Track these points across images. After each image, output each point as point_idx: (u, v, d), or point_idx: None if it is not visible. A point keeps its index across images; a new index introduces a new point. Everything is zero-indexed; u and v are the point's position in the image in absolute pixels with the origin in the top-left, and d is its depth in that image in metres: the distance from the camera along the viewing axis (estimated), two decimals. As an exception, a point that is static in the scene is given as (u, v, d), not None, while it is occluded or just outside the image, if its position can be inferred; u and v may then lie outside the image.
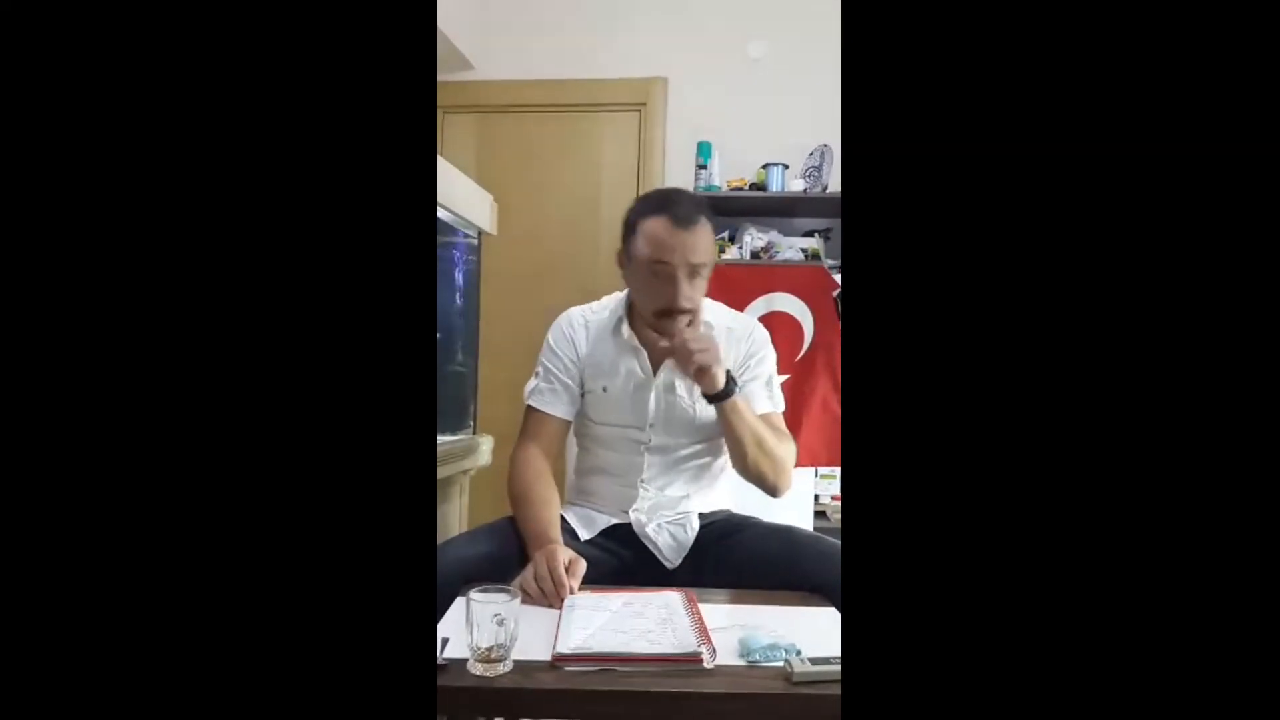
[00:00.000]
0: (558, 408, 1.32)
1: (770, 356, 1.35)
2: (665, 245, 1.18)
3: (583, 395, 1.34)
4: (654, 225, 1.20)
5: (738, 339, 1.32)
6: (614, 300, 1.35)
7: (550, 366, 1.33)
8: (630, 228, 1.25)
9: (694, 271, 1.20)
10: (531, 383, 1.35)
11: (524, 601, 0.90)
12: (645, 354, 1.30)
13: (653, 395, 1.29)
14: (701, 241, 1.20)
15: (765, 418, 1.31)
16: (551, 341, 1.35)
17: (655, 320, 1.24)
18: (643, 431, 1.30)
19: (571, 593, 1.03)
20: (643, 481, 1.31)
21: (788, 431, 1.34)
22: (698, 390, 1.28)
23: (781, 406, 1.36)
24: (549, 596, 1.02)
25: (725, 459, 1.38)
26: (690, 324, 1.23)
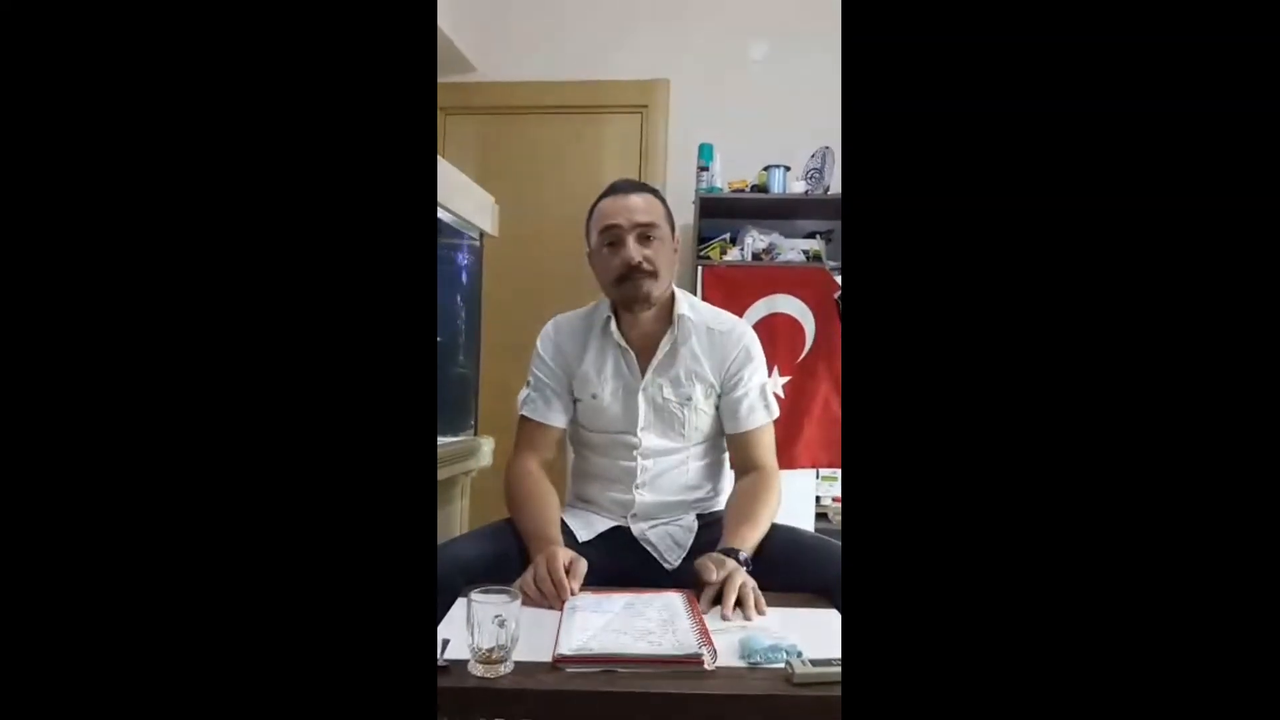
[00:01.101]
0: (551, 416, 1.32)
1: (761, 364, 1.33)
2: (608, 213, 1.26)
3: (575, 403, 1.34)
4: (600, 205, 1.29)
5: (720, 342, 1.31)
6: (598, 304, 1.36)
7: (541, 375, 1.34)
8: (587, 221, 1.31)
9: (643, 232, 1.24)
10: (523, 392, 1.35)
11: (525, 603, 0.90)
12: (633, 355, 1.30)
13: (642, 399, 1.29)
14: (644, 203, 1.26)
15: (753, 434, 1.31)
16: (540, 350, 1.35)
17: (618, 291, 1.26)
18: (634, 436, 1.30)
19: (573, 594, 1.03)
20: (638, 486, 1.30)
21: (773, 461, 1.33)
22: (685, 393, 1.29)
23: (776, 414, 1.34)
24: (549, 598, 1.02)
25: (720, 458, 1.38)
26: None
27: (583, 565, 1.08)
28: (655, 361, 1.29)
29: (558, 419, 1.33)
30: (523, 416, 1.34)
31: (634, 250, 1.22)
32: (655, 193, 1.30)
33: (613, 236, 1.24)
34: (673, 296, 1.31)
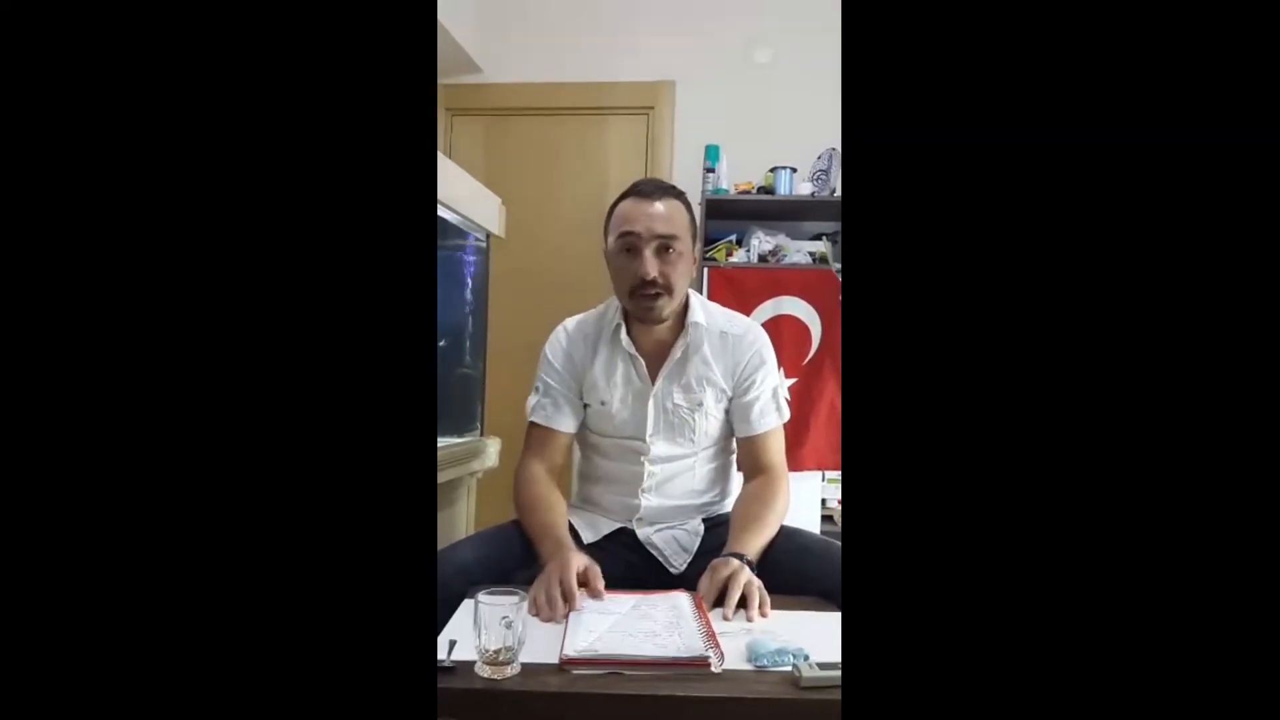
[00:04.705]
0: (560, 422, 1.31)
1: (773, 367, 1.32)
2: (629, 217, 1.22)
3: (584, 408, 1.33)
4: (621, 205, 1.26)
5: (733, 346, 1.30)
6: (608, 308, 1.34)
7: (550, 381, 1.32)
8: (607, 220, 1.29)
9: (662, 244, 1.21)
10: (532, 398, 1.34)
11: (536, 613, 0.90)
12: (642, 361, 1.29)
13: (651, 404, 1.28)
14: (666, 212, 1.22)
15: (764, 438, 1.30)
16: (549, 355, 1.34)
17: (630, 303, 1.24)
18: (643, 442, 1.29)
19: (599, 598, 1.02)
20: (644, 491, 1.30)
21: (783, 464, 1.31)
22: (696, 399, 1.28)
23: (787, 416, 1.34)
24: (554, 609, 0.97)
25: (728, 461, 1.38)
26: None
27: (597, 570, 1.05)
28: (666, 368, 1.28)
29: (566, 425, 1.31)
30: (531, 422, 1.33)
31: (650, 265, 1.19)
32: (680, 197, 1.26)
33: (630, 244, 1.21)
34: (686, 302, 1.29)
